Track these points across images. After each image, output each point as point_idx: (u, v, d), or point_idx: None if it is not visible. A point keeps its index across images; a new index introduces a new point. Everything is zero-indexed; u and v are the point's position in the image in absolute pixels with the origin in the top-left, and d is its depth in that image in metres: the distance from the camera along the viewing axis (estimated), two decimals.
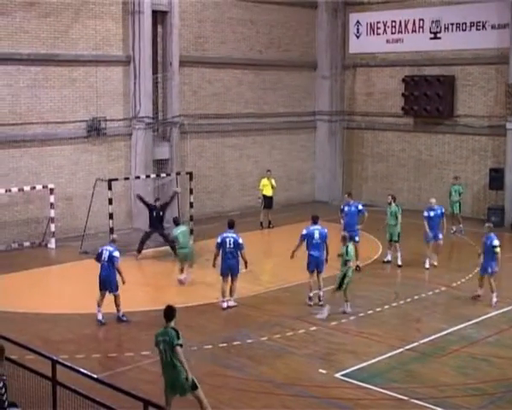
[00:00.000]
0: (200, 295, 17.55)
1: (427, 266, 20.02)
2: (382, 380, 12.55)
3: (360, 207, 20.36)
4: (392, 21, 29.32)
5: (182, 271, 18.57)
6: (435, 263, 20.08)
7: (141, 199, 21.78)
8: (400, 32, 29.18)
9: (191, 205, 23.24)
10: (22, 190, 22.01)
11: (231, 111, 28.16)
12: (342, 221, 20.32)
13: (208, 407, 10.43)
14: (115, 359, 13.57)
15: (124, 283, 15.53)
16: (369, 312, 16.30)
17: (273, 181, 26.03)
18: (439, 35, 28.06)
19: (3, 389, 8.42)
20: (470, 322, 15.60)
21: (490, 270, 16.77)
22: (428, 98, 27.79)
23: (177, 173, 24.25)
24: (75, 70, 23.52)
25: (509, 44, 25.79)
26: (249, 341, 14.44)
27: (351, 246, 16.27)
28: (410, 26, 28.85)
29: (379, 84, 29.99)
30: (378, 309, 16.51)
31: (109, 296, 15.54)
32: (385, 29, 29.62)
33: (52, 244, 22.32)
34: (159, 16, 25.35)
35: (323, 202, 30.51)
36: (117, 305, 15.51)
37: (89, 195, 22.29)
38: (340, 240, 16.23)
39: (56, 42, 23.03)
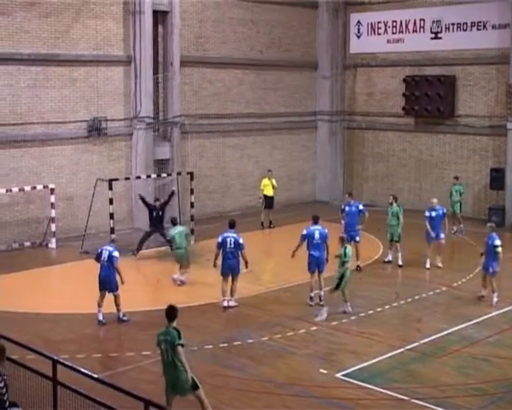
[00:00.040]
0: (200, 295, 17.55)
1: (427, 266, 20.01)
2: (383, 380, 12.54)
3: (361, 207, 20.36)
4: (393, 21, 29.32)
5: (183, 269, 18.62)
6: (440, 264, 19.98)
7: (142, 199, 21.80)
8: (401, 32, 29.17)
9: (192, 205, 23.27)
10: (23, 189, 22.01)
11: (232, 111, 28.16)
12: (343, 221, 20.32)
13: (209, 407, 10.43)
14: (116, 359, 13.58)
15: (123, 283, 15.53)
16: (370, 312, 16.30)
17: (274, 181, 26.04)
18: (439, 35, 28.05)
19: (4, 389, 8.42)
20: (471, 322, 15.60)
21: (491, 270, 16.77)
22: (429, 98, 27.79)
23: (178, 173, 24.27)
24: (76, 70, 23.52)
25: (510, 44, 25.78)
26: (250, 341, 14.44)
27: (349, 247, 16.25)
28: (410, 26, 28.84)
29: (380, 84, 29.99)
30: (379, 309, 16.51)
31: (109, 296, 15.54)
32: (386, 29, 29.62)
33: (53, 244, 22.33)
34: (159, 16, 25.36)
35: (324, 202, 30.50)
36: (117, 305, 15.51)
37: (89, 195, 22.30)
38: (338, 241, 16.21)
39: (57, 42, 23.04)
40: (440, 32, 28.01)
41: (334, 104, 30.94)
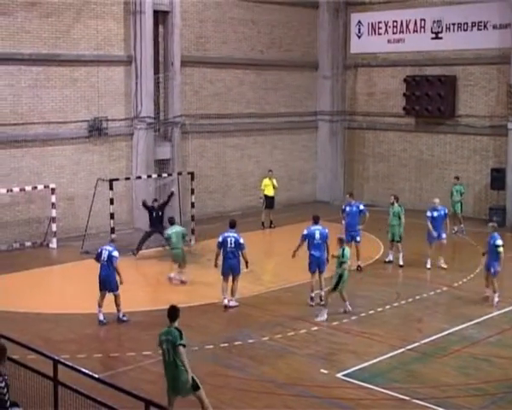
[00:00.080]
0: (201, 295, 17.55)
1: (428, 266, 19.99)
2: (384, 380, 12.54)
3: (361, 207, 20.35)
4: (394, 21, 29.32)
5: (179, 269, 18.62)
6: (444, 266, 19.91)
7: (144, 205, 21.77)
8: (402, 32, 29.17)
9: (193, 205, 23.27)
10: (24, 189, 22.02)
11: (233, 111, 28.16)
12: (343, 221, 20.31)
13: (210, 408, 10.42)
14: (117, 359, 13.58)
15: (121, 283, 15.50)
16: (371, 312, 16.30)
17: (275, 181, 26.04)
18: (440, 35, 28.04)
19: (5, 389, 8.42)
20: (472, 322, 15.60)
21: (492, 270, 16.77)
22: (430, 98, 27.78)
23: (179, 173, 24.28)
24: (76, 70, 23.53)
25: (511, 44, 25.78)
26: (251, 341, 14.44)
27: (347, 249, 16.23)
28: (411, 26, 28.84)
29: (380, 84, 29.98)
30: (379, 309, 16.51)
31: (110, 296, 15.54)
32: (386, 29, 29.61)
33: (53, 244, 22.34)
34: (160, 16, 25.37)
35: (325, 202, 30.50)
36: (117, 305, 15.51)
37: (90, 195, 22.30)
38: (337, 242, 16.20)
39: (58, 42, 23.04)
40: (441, 32, 28.00)
41: (335, 104, 30.93)
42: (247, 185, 28.72)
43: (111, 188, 21.26)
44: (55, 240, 22.33)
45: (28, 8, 22.26)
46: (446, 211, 20.45)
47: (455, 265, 20.51)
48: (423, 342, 14.40)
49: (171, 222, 19.20)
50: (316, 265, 16.80)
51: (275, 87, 29.57)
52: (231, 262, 16.48)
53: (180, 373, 10.12)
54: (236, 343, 14.31)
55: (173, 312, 10.36)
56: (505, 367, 13.22)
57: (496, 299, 16.76)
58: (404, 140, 29.49)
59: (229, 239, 16.47)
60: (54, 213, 22.37)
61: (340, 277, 15.82)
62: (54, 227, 22.34)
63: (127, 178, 23.58)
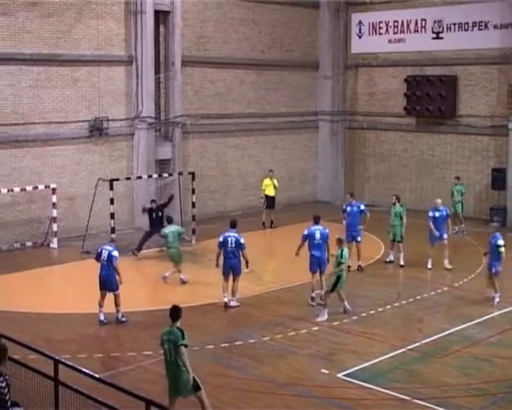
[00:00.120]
0: (202, 294, 17.55)
1: (429, 266, 19.97)
2: (384, 380, 12.54)
3: (362, 207, 20.34)
4: (395, 21, 29.31)
5: (175, 268, 18.60)
6: (449, 266, 19.84)
7: (144, 210, 21.75)
8: (402, 31, 29.16)
9: (193, 205, 23.29)
10: (24, 189, 22.02)
11: (233, 111, 28.16)
12: (344, 222, 20.31)
13: (210, 409, 10.42)
14: (117, 358, 13.58)
15: (121, 283, 15.49)
16: (372, 312, 16.30)
17: (275, 181, 26.03)
18: (441, 35, 28.03)
19: (6, 389, 8.42)
20: (472, 322, 15.59)
21: (493, 270, 16.77)
22: (430, 98, 27.77)
23: (180, 173, 24.29)
24: (77, 70, 23.53)
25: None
26: (251, 341, 14.44)
27: (345, 249, 16.23)
28: (412, 26, 28.83)
29: (381, 84, 29.98)
30: (380, 309, 16.51)
31: (110, 296, 15.54)
32: (387, 29, 29.60)
33: (54, 244, 22.34)
34: (161, 16, 25.37)
35: (325, 202, 30.49)
36: (117, 305, 15.48)
37: (91, 195, 22.31)
38: (336, 243, 16.20)
39: (59, 42, 23.05)
40: (442, 31, 27.99)
41: (336, 104, 30.93)
42: (248, 185, 28.73)
43: (111, 188, 21.27)
44: (55, 240, 22.33)
45: (29, 8, 22.27)
46: (448, 211, 20.45)
47: (456, 265, 20.46)
48: (424, 342, 14.40)
49: (169, 221, 19.33)
50: (316, 265, 16.80)
51: (275, 87, 29.57)
52: (232, 262, 16.50)
53: (181, 373, 10.12)
54: (237, 343, 14.31)
55: (175, 312, 10.35)
56: (506, 367, 13.22)
57: (497, 299, 16.76)
58: (405, 140, 29.49)
59: (229, 239, 16.49)
60: (54, 213, 22.38)
61: (339, 278, 15.80)
62: (54, 227, 22.34)
63: (128, 178, 23.59)
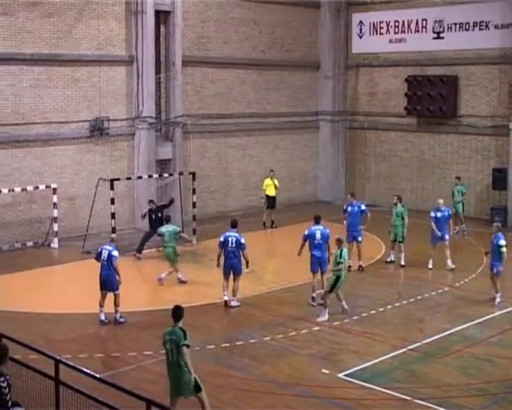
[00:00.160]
0: (202, 294, 17.55)
1: (430, 266, 19.97)
2: (385, 380, 12.54)
3: (363, 207, 20.33)
4: (395, 21, 29.30)
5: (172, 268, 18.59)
6: (453, 266, 19.79)
7: (144, 216, 21.70)
8: (403, 31, 29.15)
9: (194, 205, 23.30)
10: (25, 189, 22.03)
11: (234, 111, 28.16)
12: (345, 222, 20.31)
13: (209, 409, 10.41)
14: (118, 358, 13.58)
15: (120, 283, 15.47)
16: (372, 312, 16.29)
17: (276, 181, 26.01)
18: (442, 35, 28.03)
19: (7, 389, 8.41)
20: (473, 322, 15.59)
21: (495, 270, 16.77)
22: (431, 98, 27.77)
23: (180, 173, 24.29)
24: (78, 70, 23.54)
25: None
26: (252, 341, 14.44)
27: (345, 250, 16.22)
28: (412, 26, 28.82)
29: (382, 84, 29.98)
30: (381, 309, 16.50)
31: (111, 296, 15.54)
32: (388, 29, 29.60)
33: (55, 244, 22.34)
34: (161, 16, 25.36)
35: (326, 201, 30.49)
36: (116, 305, 15.46)
37: (91, 195, 22.31)
38: (335, 243, 16.19)
39: (59, 42, 23.05)
40: (442, 31, 27.99)
41: (337, 104, 30.93)
42: (249, 185, 28.73)
43: (112, 188, 21.28)
44: (56, 240, 22.34)
45: (30, 8, 22.27)
46: (450, 212, 20.44)
47: (456, 265, 20.44)
48: (425, 342, 14.40)
49: (167, 220, 19.38)
50: (317, 265, 16.80)
51: (276, 87, 29.57)
52: (232, 262, 16.52)
53: (183, 373, 10.12)
54: (238, 343, 14.31)
55: (177, 312, 10.35)
56: (507, 367, 13.22)
57: (497, 299, 16.76)
58: (406, 140, 29.48)
59: (230, 239, 16.50)
60: (55, 213, 22.38)
61: (338, 278, 15.78)
62: (55, 227, 22.35)
63: (128, 178, 23.60)
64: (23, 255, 21.38)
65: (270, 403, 11.68)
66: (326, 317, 15.64)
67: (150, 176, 23.70)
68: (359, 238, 19.92)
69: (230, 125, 27.99)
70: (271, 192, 25.89)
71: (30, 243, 22.40)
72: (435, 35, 28.20)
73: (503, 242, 16.71)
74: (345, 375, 12.73)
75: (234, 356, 13.70)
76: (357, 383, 12.38)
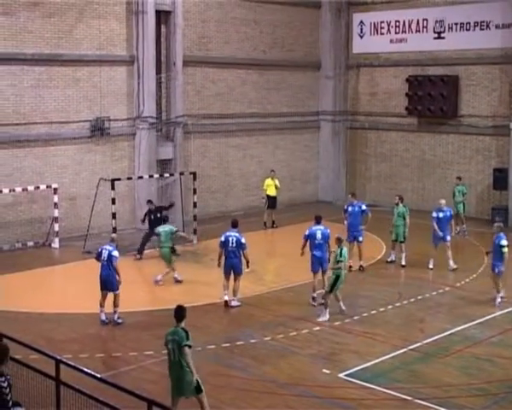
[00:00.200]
0: (203, 294, 17.54)
1: (431, 266, 19.96)
2: (386, 380, 12.54)
3: (364, 207, 20.33)
4: (396, 21, 29.29)
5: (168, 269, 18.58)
6: (455, 266, 19.78)
7: (144, 221, 21.67)
8: (404, 31, 29.15)
9: (195, 205, 23.30)
10: (26, 189, 22.04)
11: (235, 111, 28.17)
12: (346, 222, 20.31)
13: None
14: (119, 358, 13.59)
15: (120, 283, 15.46)
16: (373, 312, 16.29)
17: (277, 181, 25.98)
18: (442, 35, 28.02)
19: (8, 389, 8.41)
20: (474, 322, 15.59)
21: (496, 270, 16.76)
22: (432, 98, 27.76)
23: (181, 173, 24.30)
24: (79, 70, 23.55)
25: None
26: (252, 341, 14.44)
27: (345, 249, 16.23)
28: (413, 26, 28.82)
29: (382, 84, 29.97)
30: (382, 309, 16.50)
31: (111, 296, 15.54)
32: (388, 29, 29.59)
33: (56, 244, 22.35)
34: (162, 16, 25.37)
35: (327, 201, 30.49)
36: (115, 305, 15.44)
37: (92, 195, 22.31)
38: (335, 242, 16.19)
39: (60, 42, 23.06)
40: (443, 31, 27.99)
41: (337, 104, 30.93)
42: (250, 185, 28.73)
43: (113, 188, 21.28)
44: (57, 240, 22.34)
45: (31, 9, 22.28)
46: (452, 212, 20.44)
47: (458, 265, 20.45)
48: (425, 342, 14.40)
49: (165, 221, 19.42)
50: (318, 265, 16.80)
51: (277, 87, 29.57)
52: (232, 261, 16.53)
53: (185, 374, 10.10)
54: (238, 343, 14.31)
55: (180, 312, 10.33)
56: (507, 367, 13.22)
57: (498, 299, 16.76)
58: (407, 140, 29.48)
59: (230, 239, 16.50)
60: (56, 213, 22.38)
61: (337, 277, 15.79)
62: (56, 227, 22.36)
63: (129, 178, 23.60)
64: (24, 255, 21.39)
65: (271, 403, 11.69)
66: (327, 317, 15.64)
67: (151, 176, 23.71)
68: (360, 238, 19.92)
69: (231, 125, 27.99)
70: (272, 192, 25.88)
71: (31, 243, 22.40)
72: (436, 35, 28.20)
73: (504, 242, 16.71)
74: (345, 375, 12.73)
75: (234, 356, 13.70)
76: (358, 383, 12.37)
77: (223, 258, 16.64)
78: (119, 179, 22.19)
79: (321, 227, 17.02)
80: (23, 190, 21.96)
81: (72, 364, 9.61)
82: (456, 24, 27.63)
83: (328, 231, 17.03)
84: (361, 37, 30.51)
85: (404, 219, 20.27)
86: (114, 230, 20.61)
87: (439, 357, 13.64)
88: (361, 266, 19.87)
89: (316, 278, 16.84)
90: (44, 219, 22.76)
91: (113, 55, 24.32)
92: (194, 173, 23.58)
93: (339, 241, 16.07)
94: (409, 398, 11.79)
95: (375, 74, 30.23)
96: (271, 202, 25.86)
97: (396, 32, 29.39)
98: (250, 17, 28.33)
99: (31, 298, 17.30)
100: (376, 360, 13.39)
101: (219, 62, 27.36)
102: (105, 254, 15.50)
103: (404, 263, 20.18)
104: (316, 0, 30.58)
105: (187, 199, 24.24)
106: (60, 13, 22.94)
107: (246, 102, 28.53)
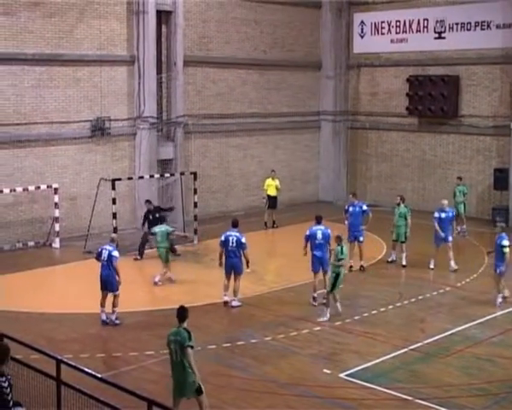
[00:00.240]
0: (203, 294, 17.54)
1: (431, 266, 19.95)
2: (386, 380, 12.54)
3: (364, 207, 20.32)
4: (397, 21, 29.29)
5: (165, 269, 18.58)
6: (456, 267, 19.74)
7: (144, 224, 21.65)
8: (405, 31, 29.14)
9: (195, 205, 23.29)
10: (27, 189, 22.04)
11: (235, 111, 28.17)
12: (346, 222, 20.30)
13: None
14: (119, 358, 13.59)
15: (120, 283, 15.45)
16: (374, 312, 16.29)
17: (277, 182, 25.93)
18: (443, 35, 28.02)
19: (8, 389, 8.41)
20: (474, 322, 15.59)
21: (498, 270, 16.76)
22: (433, 98, 27.76)
23: (182, 173, 24.30)
24: (79, 70, 23.55)
25: None
26: (253, 341, 14.44)
27: (345, 247, 16.23)
28: (414, 26, 28.82)
29: (383, 84, 29.97)
30: (382, 309, 16.50)
31: (111, 296, 15.54)
32: (389, 29, 29.58)
33: (56, 244, 22.35)
34: (163, 16, 25.37)
35: (327, 201, 30.49)
36: (114, 306, 15.44)
37: (93, 195, 22.31)
38: (335, 240, 16.20)
39: (61, 42, 23.06)
40: (444, 31, 27.98)
41: (338, 104, 30.93)
42: (250, 185, 28.73)
43: (113, 188, 21.27)
44: (57, 240, 22.34)
45: (31, 8, 22.28)
46: (454, 213, 20.43)
47: (458, 265, 20.45)
48: (426, 342, 14.40)
49: (162, 221, 19.37)
50: (318, 265, 16.79)
51: (277, 87, 29.57)
52: (233, 261, 16.53)
53: (187, 374, 10.07)
54: (239, 343, 14.31)
55: (182, 312, 10.30)
56: (508, 367, 13.21)
57: (499, 299, 16.75)
58: (407, 140, 29.47)
59: (230, 238, 16.50)
60: (57, 212, 22.39)
61: (337, 276, 15.79)
62: (57, 227, 22.36)
63: (130, 178, 23.60)
64: (24, 255, 21.39)
65: (272, 403, 11.68)
66: (327, 317, 15.64)
67: (152, 176, 23.71)
68: (361, 238, 19.91)
69: (232, 125, 27.99)
70: (273, 192, 25.87)
71: (31, 243, 22.41)
72: (437, 35, 28.19)
73: (506, 242, 16.70)
74: (346, 375, 12.73)
75: (235, 356, 13.70)
76: (359, 383, 12.37)
77: (223, 257, 16.64)
78: (119, 179, 22.19)
79: (321, 227, 17.01)
80: (24, 190, 21.97)
81: (73, 364, 9.61)
82: (456, 24, 27.62)
83: (329, 231, 17.02)
84: (362, 37, 30.51)
85: (406, 219, 20.26)
86: (115, 230, 20.61)
87: (440, 357, 13.64)
88: (361, 266, 19.86)
89: (316, 278, 16.84)
90: (45, 219, 22.77)
91: (114, 55, 24.33)
92: (194, 173, 23.58)
93: (339, 239, 16.08)
94: (409, 398, 11.79)
95: (375, 74, 30.23)
96: (272, 202, 25.86)
97: (397, 32, 29.39)
98: (251, 17, 28.33)
99: (31, 298, 17.30)
100: (377, 360, 13.38)
101: (220, 62, 27.36)
102: (105, 254, 15.49)
103: (404, 263, 20.18)
104: (316, 0, 30.58)
105: (187, 199, 24.24)
106: (60, 13, 22.94)
107: (246, 102, 28.53)
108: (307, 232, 17.03)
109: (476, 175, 27.44)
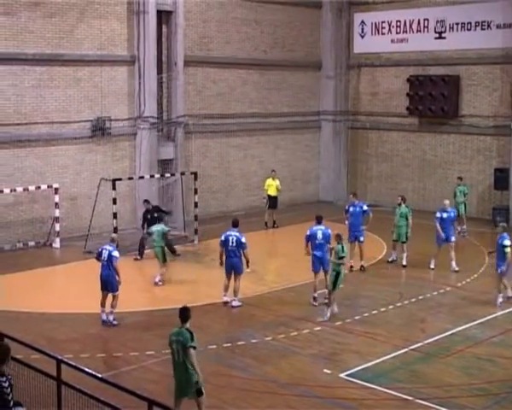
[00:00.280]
0: (204, 294, 17.54)
1: (432, 266, 19.95)
2: (387, 380, 12.54)
3: (365, 207, 20.32)
4: (397, 21, 29.29)
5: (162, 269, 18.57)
6: (457, 268, 19.70)
7: (143, 226, 21.64)
8: (405, 31, 29.14)
9: (196, 205, 23.29)
10: (27, 189, 22.05)
11: (236, 111, 28.17)
12: (347, 222, 20.30)
13: None
14: (120, 358, 13.59)
15: (120, 283, 15.45)
16: (374, 312, 16.29)
17: (278, 182, 25.92)
18: (443, 35, 28.02)
19: (9, 389, 8.41)
20: (475, 322, 15.58)
21: (499, 270, 16.76)
22: (433, 98, 27.76)
23: (182, 173, 24.31)
24: (80, 70, 23.55)
25: None
26: (254, 341, 14.44)
27: (345, 245, 16.22)
28: (414, 26, 28.82)
29: (384, 84, 29.97)
30: (383, 309, 16.50)
31: (111, 296, 15.55)
32: (389, 29, 29.58)
33: (57, 244, 22.36)
34: (163, 16, 25.38)
35: (328, 201, 30.49)
36: (112, 306, 15.42)
37: (93, 195, 22.32)
38: (335, 238, 16.20)
39: (61, 42, 23.07)
40: (444, 31, 27.98)
41: (338, 104, 30.93)
42: (250, 185, 28.73)
43: (114, 188, 21.28)
44: (58, 240, 22.35)
45: (32, 9, 22.29)
46: (456, 213, 20.42)
47: (458, 265, 20.45)
48: (426, 342, 14.40)
49: (159, 220, 19.39)
50: (319, 265, 16.78)
51: (278, 87, 29.57)
52: (233, 261, 16.54)
53: (189, 375, 10.04)
54: (239, 343, 14.31)
55: (184, 312, 10.26)
56: (508, 367, 13.21)
57: (500, 299, 16.75)
58: (408, 140, 29.47)
59: (230, 238, 16.50)
60: (57, 212, 22.39)
61: (338, 274, 15.79)
62: (57, 227, 22.36)
63: (130, 178, 23.61)
64: (25, 255, 21.40)
65: (272, 403, 11.68)
66: (328, 316, 15.64)
67: (152, 176, 23.71)
68: (361, 238, 19.91)
69: (232, 125, 27.99)
70: (273, 192, 25.88)
71: (32, 243, 22.41)
72: (437, 35, 28.19)
73: (507, 242, 16.69)
74: (346, 375, 12.73)
75: (235, 356, 13.70)
76: (359, 383, 12.37)
77: (224, 257, 16.64)
78: (120, 179, 22.19)
79: (322, 227, 17.00)
80: (24, 189, 21.97)
81: (74, 364, 9.61)
82: (457, 24, 27.62)
83: (329, 231, 17.02)
84: (362, 37, 30.51)
85: (407, 219, 20.26)
86: (115, 230, 20.61)
87: (440, 357, 13.63)
88: (362, 266, 19.86)
89: (317, 277, 16.83)
90: (45, 219, 22.77)
91: (114, 55, 24.33)
92: (195, 173, 23.58)
93: (339, 237, 16.08)
94: (410, 398, 11.79)
95: (376, 74, 30.23)
96: (272, 201, 25.86)
97: (397, 32, 29.39)
98: (251, 17, 28.33)
99: (32, 298, 17.31)
100: (377, 360, 13.39)
101: (220, 62, 27.37)
102: (105, 254, 15.49)
103: (405, 263, 20.18)
104: (317, 0, 30.58)
105: (188, 199, 24.24)
106: (61, 13, 22.94)
107: (247, 102, 28.53)
108: (308, 232, 17.01)
109: (476, 175, 27.44)
